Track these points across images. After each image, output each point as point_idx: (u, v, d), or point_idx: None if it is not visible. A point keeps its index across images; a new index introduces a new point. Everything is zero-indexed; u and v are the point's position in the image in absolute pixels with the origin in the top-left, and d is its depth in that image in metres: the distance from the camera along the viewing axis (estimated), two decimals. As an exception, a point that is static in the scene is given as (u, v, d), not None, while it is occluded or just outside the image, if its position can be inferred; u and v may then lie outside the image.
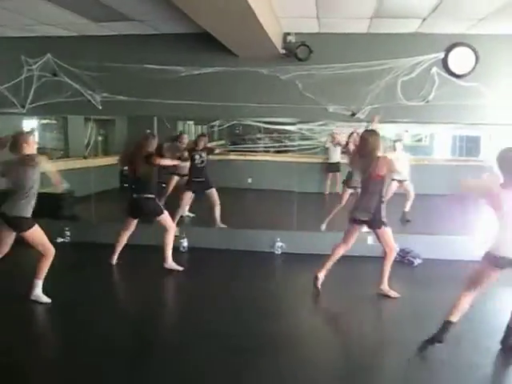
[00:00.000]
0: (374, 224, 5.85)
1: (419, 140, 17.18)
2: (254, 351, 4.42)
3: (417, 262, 7.29)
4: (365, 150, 5.78)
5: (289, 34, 7.41)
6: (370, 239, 7.67)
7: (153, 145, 6.87)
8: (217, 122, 14.80)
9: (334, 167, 13.31)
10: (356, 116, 7.56)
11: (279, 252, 7.76)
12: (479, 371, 4.20)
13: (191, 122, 15.69)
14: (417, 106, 7.39)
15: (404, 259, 7.36)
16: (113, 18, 6.83)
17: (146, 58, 7.65)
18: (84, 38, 7.84)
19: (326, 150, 13.74)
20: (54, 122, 13.03)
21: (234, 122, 14.11)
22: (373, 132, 5.98)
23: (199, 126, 16.38)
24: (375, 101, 7.40)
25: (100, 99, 7.94)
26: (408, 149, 15.77)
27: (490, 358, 4.44)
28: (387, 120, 7.65)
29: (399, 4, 6.02)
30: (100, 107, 8.02)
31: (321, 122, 12.71)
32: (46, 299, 5.41)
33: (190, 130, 16.31)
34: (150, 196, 6.70)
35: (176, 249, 7.22)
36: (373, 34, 7.31)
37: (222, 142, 16.08)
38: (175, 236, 7.06)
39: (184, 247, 7.79)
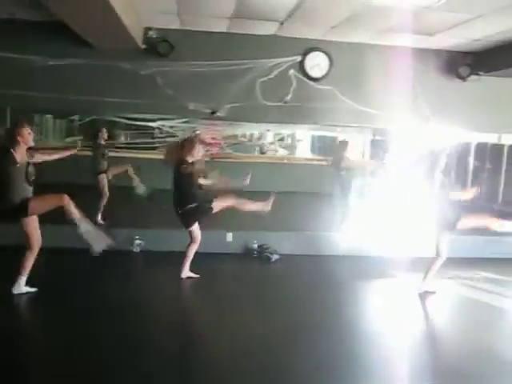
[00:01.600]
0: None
1: (281, 139, 17.75)
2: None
3: (274, 257, 7.49)
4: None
5: (150, 28, 7.30)
6: (229, 236, 7.81)
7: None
8: (77, 117, 14.32)
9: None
10: (216, 114, 7.59)
11: (138, 250, 7.58)
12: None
13: (50, 116, 14.98)
14: (275, 106, 7.61)
15: (262, 255, 7.54)
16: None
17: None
18: None
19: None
20: None
21: (94, 117, 13.75)
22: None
23: (58, 120, 15.69)
24: (235, 100, 7.51)
25: None
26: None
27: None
28: (247, 119, 7.84)
29: (258, 6, 6.17)
30: None
31: (184, 119, 12.78)
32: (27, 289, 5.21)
33: (47, 124, 15.56)
34: None
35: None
36: (233, 33, 7.43)
37: (80, 137, 15.51)
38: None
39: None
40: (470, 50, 7.69)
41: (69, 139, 15.93)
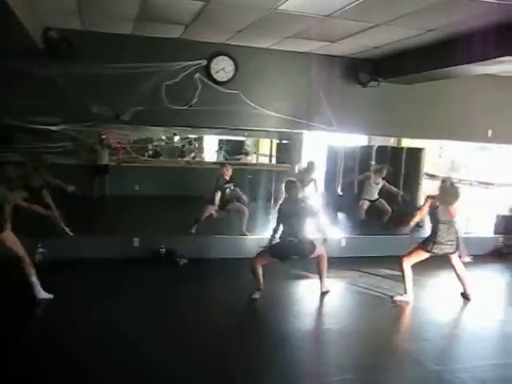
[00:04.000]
0: None
1: (189, 143, 17.71)
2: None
3: (182, 262, 7.46)
4: None
5: (51, 28, 6.99)
6: (136, 241, 7.73)
7: None
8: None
9: (102, 169, 13.08)
10: (120, 118, 7.43)
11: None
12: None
13: None
14: (181, 109, 7.57)
15: (169, 260, 7.51)
16: None
17: None
18: None
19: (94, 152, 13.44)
20: None
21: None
22: None
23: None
24: (140, 103, 7.39)
25: None
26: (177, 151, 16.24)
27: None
28: (153, 123, 7.76)
29: (162, 9, 6.08)
30: None
31: (89, 124, 12.39)
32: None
33: None
34: None
35: None
36: (138, 36, 7.30)
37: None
38: None
39: None
40: (369, 57, 7.99)
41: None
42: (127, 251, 7.56)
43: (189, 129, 13.32)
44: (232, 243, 8.10)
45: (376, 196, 9.97)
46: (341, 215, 11.60)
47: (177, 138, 16.98)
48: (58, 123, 12.32)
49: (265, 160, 16.68)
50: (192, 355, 4.66)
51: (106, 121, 7.71)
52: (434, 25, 6.11)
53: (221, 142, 18.32)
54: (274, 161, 15.49)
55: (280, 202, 6.68)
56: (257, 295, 6.19)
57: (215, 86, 7.71)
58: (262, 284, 6.20)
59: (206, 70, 7.65)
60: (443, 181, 6.59)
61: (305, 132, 9.29)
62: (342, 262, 7.79)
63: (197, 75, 7.61)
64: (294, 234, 6.14)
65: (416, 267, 6.45)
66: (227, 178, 8.65)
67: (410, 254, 6.44)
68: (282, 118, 8.01)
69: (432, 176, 12.20)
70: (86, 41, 7.11)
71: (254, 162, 16.86)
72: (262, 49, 7.75)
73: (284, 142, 14.44)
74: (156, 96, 7.46)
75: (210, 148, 18.70)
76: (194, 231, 8.43)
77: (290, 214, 6.21)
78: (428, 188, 11.61)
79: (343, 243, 8.50)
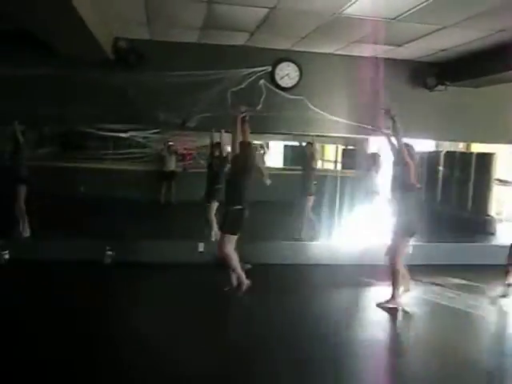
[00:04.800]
0: None
1: (256, 149, 17.70)
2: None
3: (246, 267, 7.46)
4: None
5: (120, 39, 7.24)
6: (201, 246, 7.82)
7: None
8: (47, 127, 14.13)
9: (168, 175, 13.37)
10: (186, 124, 7.57)
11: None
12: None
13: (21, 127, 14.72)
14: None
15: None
16: None
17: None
18: None
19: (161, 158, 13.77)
20: None
21: (65, 128, 13.59)
22: None
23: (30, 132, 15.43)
24: (206, 110, 7.50)
25: None
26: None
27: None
28: (218, 129, 7.88)
29: (227, 17, 6.19)
30: None
31: (156, 130, 12.70)
32: None
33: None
34: None
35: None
36: (204, 44, 7.46)
37: (55, 148, 15.35)
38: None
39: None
40: (436, 61, 7.82)
41: (41, 150, 15.74)
42: (192, 256, 7.68)
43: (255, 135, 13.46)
44: (296, 249, 8.07)
45: None
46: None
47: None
48: (127, 130, 12.75)
49: (330, 166, 16.51)
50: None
51: (172, 127, 7.79)
52: (505, 25, 5.90)
53: (286, 147, 18.30)
54: (339, 167, 15.31)
55: None
56: None
57: (280, 91, 7.74)
58: None
59: (271, 76, 7.70)
60: None
61: (370, 138, 9.16)
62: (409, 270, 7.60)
63: (262, 81, 7.66)
64: None
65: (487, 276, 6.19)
66: None
67: None
68: (347, 123, 7.95)
69: (504, 182, 11.75)
70: (153, 50, 7.33)
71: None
72: (327, 54, 7.74)
73: (350, 147, 14.26)
74: (222, 102, 7.54)
75: (275, 154, 18.69)
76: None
77: None
78: (500, 195, 11.23)
79: (410, 250, 8.26)
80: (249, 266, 7.45)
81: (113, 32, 7.07)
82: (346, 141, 12.84)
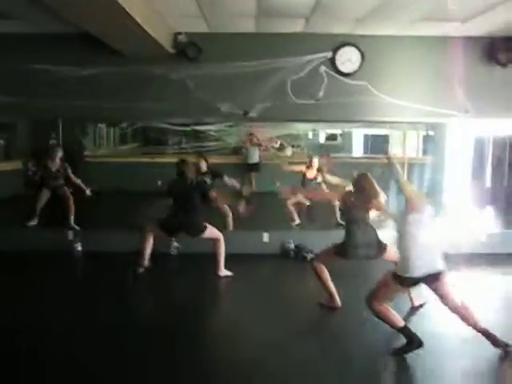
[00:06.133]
0: None
1: (332, 138, 17.54)
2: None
3: (309, 256, 7.39)
4: None
5: (180, 33, 7.35)
6: (266, 236, 7.81)
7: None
8: (124, 124, 14.71)
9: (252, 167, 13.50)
10: (248, 115, 7.56)
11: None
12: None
13: (103, 125, 15.45)
14: (307, 104, 7.50)
15: (298, 255, 7.51)
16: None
17: (31, 58, 7.35)
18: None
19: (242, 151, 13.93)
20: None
21: (141, 124, 14.06)
22: None
23: (111, 128, 16.17)
24: (266, 99, 7.47)
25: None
26: (322, 148, 16.13)
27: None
28: (280, 118, 7.80)
29: (278, 2, 6.09)
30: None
31: (229, 123, 12.86)
32: None
33: (101, 133, 16.05)
34: None
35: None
36: (261, 33, 7.40)
37: (135, 144, 15.94)
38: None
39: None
40: (508, 35, 7.30)
41: (124, 147, 16.44)
42: (257, 246, 7.69)
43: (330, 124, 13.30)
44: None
45: None
46: (489, 208, 10.74)
47: (321, 134, 16.92)
48: (203, 124, 12.99)
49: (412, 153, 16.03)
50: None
51: (234, 118, 7.80)
52: None
53: (366, 136, 17.95)
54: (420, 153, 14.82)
55: None
56: None
57: (341, 78, 7.53)
58: None
59: (332, 63, 7.50)
60: None
61: (443, 121, 8.75)
62: (480, 259, 7.21)
63: (322, 68, 7.48)
64: None
65: None
66: None
67: None
68: (415, 107, 7.55)
69: None
70: (212, 42, 7.37)
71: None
72: (389, 36, 7.41)
73: (430, 133, 13.75)
74: (282, 91, 7.48)
75: (357, 143, 18.39)
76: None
77: None
78: None
79: (483, 238, 7.80)
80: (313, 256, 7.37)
81: (172, 27, 7.18)
82: (424, 127, 12.41)
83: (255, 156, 13.65)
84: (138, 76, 7.46)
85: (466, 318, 4.31)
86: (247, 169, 13.58)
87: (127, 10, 5.22)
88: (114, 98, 7.50)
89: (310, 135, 16.65)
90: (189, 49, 7.34)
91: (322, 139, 17.18)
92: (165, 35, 7.01)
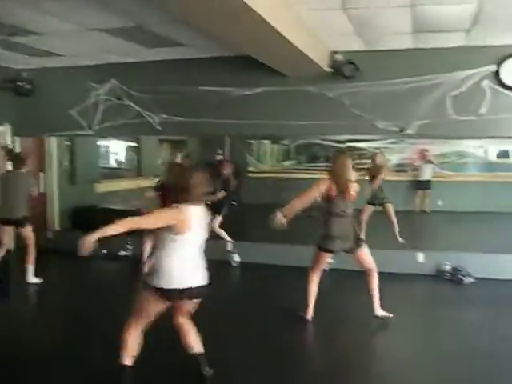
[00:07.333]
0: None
1: (506, 156, 16.39)
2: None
3: (467, 280, 7.05)
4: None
5: (336, 52, 7.47)
6: (421, 257, 7.60)
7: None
8: (286, 141, 15.19)
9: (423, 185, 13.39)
10: (405, 132, 7.45)
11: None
12: None
13: (267, 141, 16.10)
14: (468, 120, 7.17)
15: (453, 277, 7.19)
16: (164, 44, 7.26)
17: (199, 81, 7.98)
18: (142, 64, 8.32)
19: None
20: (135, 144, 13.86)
21: (302, 141, 14.40)
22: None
23: (275, 145, 16.77)
24: (424, 116, 7.29)
25: (159, 120, 8.35)
26: (493, 166, 15.18)
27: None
28: (438, 135, 7.55)
29: (434, 17, 5.96)
30: (159, 128, 8.43)
31: (391, 140, 12.71)
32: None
33: (265, 149, 16.73)
34: None
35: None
36: (417, 49, 7.25)
37: (294, 161, 16.35)
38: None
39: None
40: None
41: (286, 163, 16.96)
42: (411, 266, 7.52)
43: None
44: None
45: None
46: None
47: (490, 150, 15.98)
48: (361, 141, 12.98)
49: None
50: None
51: (390, 135, 7.72)
52: None
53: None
54: None
55: None
56: None
57: (507, 91, 7.10)
58: None
59: (495, 76, 7.11)
60: None
61: None
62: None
63: (485, 82, 7.12)
64: None
65: None
66: None
67: None
68: None
69: None
70: (368, 60, 7.38)
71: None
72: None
73: None
74: (441, 107, 7.25)
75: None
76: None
77: None
78: None
79: None
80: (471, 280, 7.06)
81: (328, 46, 7.33)
82: None
83: (427, 173, 13.45)
84: (297, 94, 7.73)
85: None
86: (417, 186, 13.47)
87: (282, 32, 5.46)
88: (274, 116, 7.85)
89: (480, 152, 15.78)
90: (345, 67, 7.41)
91: (491, 156, 16.18)
92: (321, 54, 7.18)
